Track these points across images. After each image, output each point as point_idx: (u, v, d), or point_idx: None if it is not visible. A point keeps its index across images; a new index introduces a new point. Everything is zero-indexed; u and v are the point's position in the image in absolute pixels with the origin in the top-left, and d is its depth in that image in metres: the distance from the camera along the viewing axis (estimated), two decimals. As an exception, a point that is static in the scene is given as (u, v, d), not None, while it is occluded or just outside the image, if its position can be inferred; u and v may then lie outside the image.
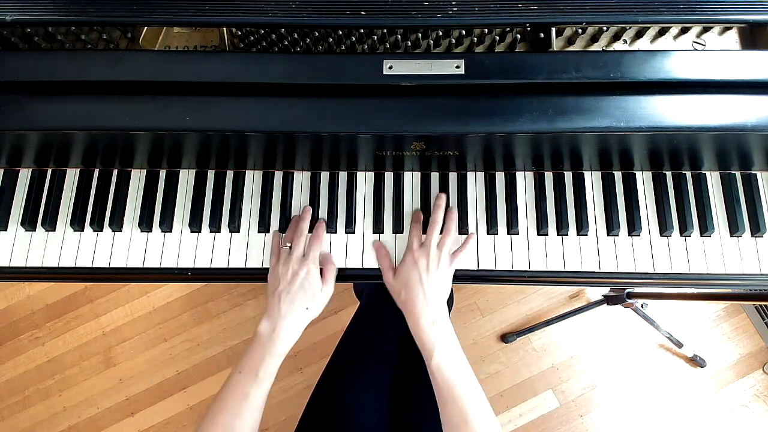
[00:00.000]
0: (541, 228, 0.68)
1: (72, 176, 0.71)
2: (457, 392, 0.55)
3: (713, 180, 0.69)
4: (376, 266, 0.68)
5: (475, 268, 0.67)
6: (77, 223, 0.69)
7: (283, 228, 0.69)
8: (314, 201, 0.70)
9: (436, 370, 0.56)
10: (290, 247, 0.65)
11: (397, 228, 0.69)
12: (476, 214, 0.69)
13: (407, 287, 0.61)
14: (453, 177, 0.70)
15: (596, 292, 1.47)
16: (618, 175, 0.70)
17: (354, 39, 0.64)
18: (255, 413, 0.56)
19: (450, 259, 0.64)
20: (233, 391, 0.56)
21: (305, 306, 0.62)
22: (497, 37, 0.64)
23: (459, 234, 0.68)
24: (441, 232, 0.66)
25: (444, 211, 0.67)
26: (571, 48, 0.65)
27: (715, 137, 0.59)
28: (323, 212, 0.69)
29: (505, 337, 1.47)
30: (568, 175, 0.70)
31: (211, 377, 1.50)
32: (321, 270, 0.66)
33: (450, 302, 1.22)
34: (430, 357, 0.57)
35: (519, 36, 0.63)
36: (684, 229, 0.67)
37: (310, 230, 0.68)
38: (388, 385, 0.78)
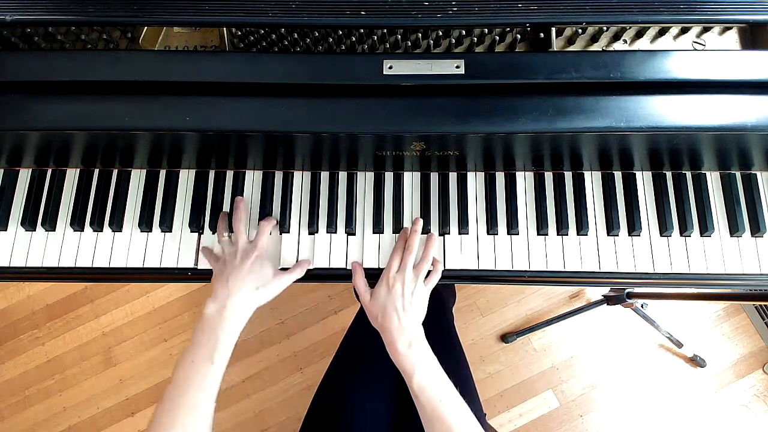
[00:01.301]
0: (541, 228, 0.68)
1: (72, 176, 0.71)
2: (442, 410, 0.55)
3: (713, 180, 0.69)
4: (376, 266, 0.68)
5: (475, 268, 0.67)
6: (77, 223, 0.69)
7: (286, 229, 0.69)
8: (314, 201, 0.70)
9: (419, 390, 0.56)
10: (227, 239, 0.65)
11: (397, 228, 0.69)
12: (476, 214, 0.69)
13: (384, 311, 0.61)
14: (453, 177, 0.70)
15: (596, 292, 1.47)
16: (618, 175, 0.70)
17: (354, 39, 0.64)
18: (213, 401, 0.54)
19: (424, 282, 0.64)
20: (189, 383, 0.53)
21: (255, 286, 0.60)
22: (497, 37, 0.64)
23: (459, 234, 0.69)
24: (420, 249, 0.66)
25: (419, 235, 0.67)
26: (571, 48, 0.65)
27: (715, 137, 0.59)
28: (323, 212, 0.69)
29: (505, 337, 1.47)
30: (568, 175, 0.70)
31: (211, 377, 1.50)
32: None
33: (452, 301, 1.22)
34: (410, 378, 0.57)
35: (519, 36, 0.63)
36: (684, 229, 0.67)
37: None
38: (392, 386, 0.78)
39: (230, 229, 0.68)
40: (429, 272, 0.66)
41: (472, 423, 0.55)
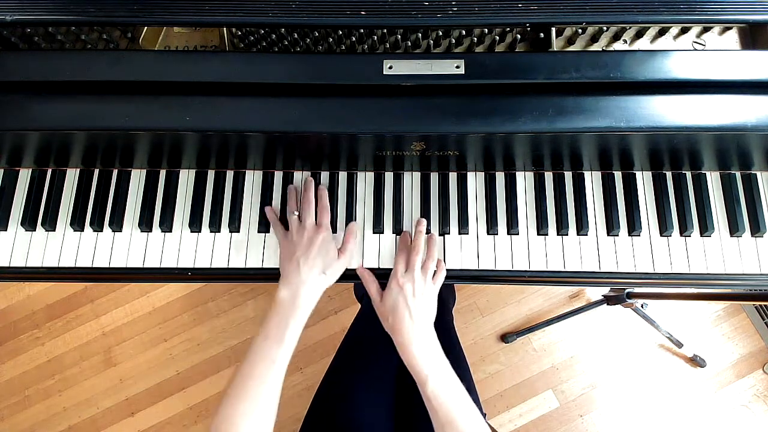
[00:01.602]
0: (541, 228, 0.68)
1: (72, 176, 0.71)
2: (454, 416, 0.55)
3: (713, 180, 0.69)
4: (376, 266, 0.68)
5: (475, 268, 0.67)
6: (77, 223, 0.69)
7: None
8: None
9: (432, 396, 0.56)
10: (298, 216, 0.66)
11: (397, 228, 0.69)
12: (476, 214, 0.69)
13: (395, 313, 0.61)
14: (453, 177, 0.70)
15: (596, 292, 1.47)
16: (618, 175, 0.70)
17: (354, 39, 0.64)
18: (281, 377, 0.58)
19: (432, 282, 0.65)
20: (260, 357, 0.57)
21: (323, 270, 0.63)
22: (497, 37, 0.64)
23: (459, 234, 0.69)
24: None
25: (424, 235, 0.67)
26: (571, 48, 0.65)
27: (715, 137, 0.59)
28: (323, 212, 0.69)
29: (505, 337, 1.47)
30: (568, 175, 0.70)
31: (211, 377, 1.50)
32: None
33: (452, 302, 1.22)
34: (424, 383, 0.57)
35: (519, 36, 0.63)
36: (684, 229, 0.67)
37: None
38: (392, 386, 0.78)
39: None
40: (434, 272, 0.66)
41: (484, 428, 0.55)
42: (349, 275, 0.68)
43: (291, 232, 0.65)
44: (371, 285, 0.66)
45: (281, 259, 0.65)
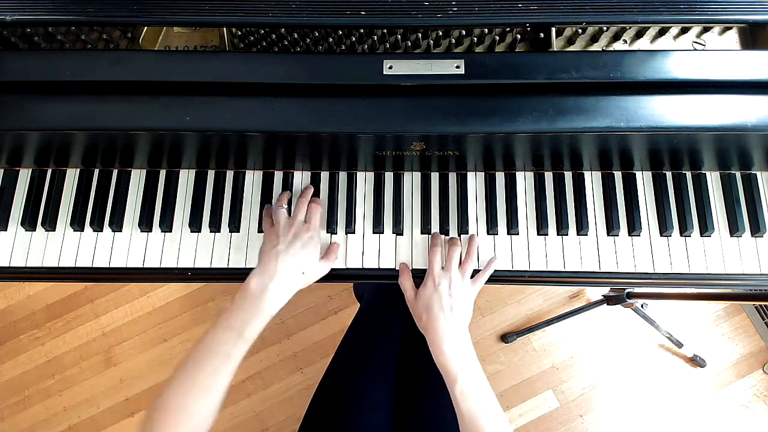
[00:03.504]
0: (541, 228, 0.68)
1: (72, 176, 0.71)
2: (482, 422, 0.53)
3: (713, 180, 0.69)
4: (376, 266, 0.68)
5: (475, 268, 0.67)
6: (77, 223, 0.69)
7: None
8: (314, 201, 0.70)
9: (460, 398, 0.55)
10: (286, 210, 0.66)
11: (397, 228, 0.69)
12: (476, 214, 0.69)
13: (429, 312, 0.60)
14: (453, 177, 0.70)
15: (596, 292, 1.47)
16: (618, 175, 0.70)
17: (354, 39, 0.64)
18: (232, 372, 0.54)
19: (471, 282, 0.64)
20: (217, 349, 0.54)
21: (302, 269, 0.61)
22: (497, 37, 0.64)
23: (459, 234, 0.69)
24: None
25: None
26: (571, 48, 0.65)
27: (715, 137, 0.59)
28: (323, 212, 0.69)
29: (505, 337, 1.47)
30: (568, 175, 0.70)
31: (211, 377, 1.50)
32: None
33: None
34: (453, 384, 0.56)
35: (519, 36, 0.63)
36: (684, 229, 0.67)
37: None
38: (392, 386, 0.78)
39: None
40: (475, 272, 0.66)
41: None
42: (348, 275, 0.68)
43: (277, 225, 0.64)
44: (406, 281, 0.65)
45: (261, 250, 0.63)
